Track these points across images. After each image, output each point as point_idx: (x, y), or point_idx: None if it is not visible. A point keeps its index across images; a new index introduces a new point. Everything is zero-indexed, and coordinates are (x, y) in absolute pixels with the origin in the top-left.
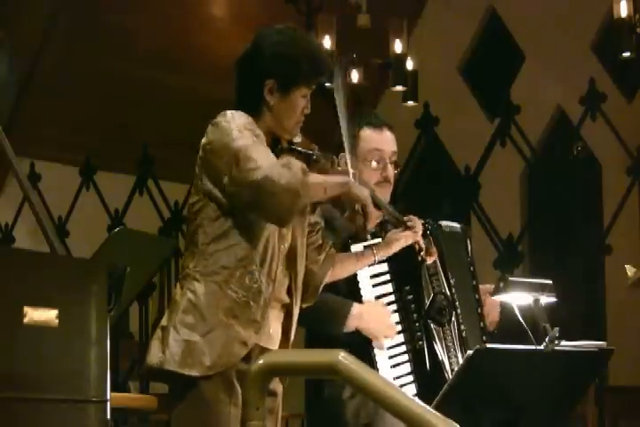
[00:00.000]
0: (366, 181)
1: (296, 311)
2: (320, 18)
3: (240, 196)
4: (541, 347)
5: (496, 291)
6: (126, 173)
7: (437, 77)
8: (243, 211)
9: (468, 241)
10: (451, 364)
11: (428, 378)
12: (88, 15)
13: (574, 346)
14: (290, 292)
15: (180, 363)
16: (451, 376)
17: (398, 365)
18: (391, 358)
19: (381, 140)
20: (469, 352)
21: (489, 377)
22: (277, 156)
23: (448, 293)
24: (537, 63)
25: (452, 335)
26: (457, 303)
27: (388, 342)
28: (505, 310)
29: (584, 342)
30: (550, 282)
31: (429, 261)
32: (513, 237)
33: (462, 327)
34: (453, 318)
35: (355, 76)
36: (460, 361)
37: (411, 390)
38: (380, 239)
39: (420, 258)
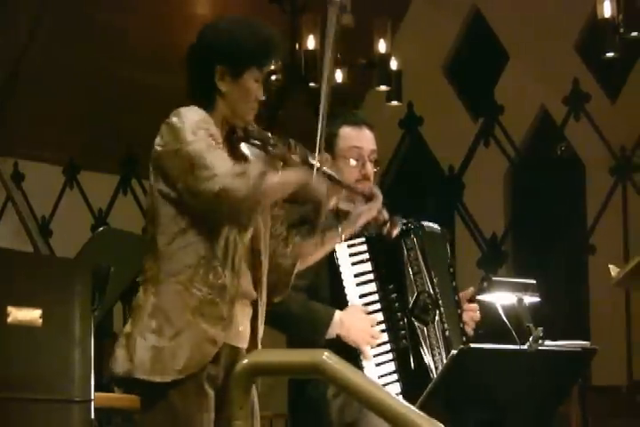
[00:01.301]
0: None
1: (262, 307)
2: (304, 18)
3: (196, 204)
4: (525, 347)
5: (480, 291)
6: (110, 172)
7: (421, 77)
8: (199, 214)
9: (448, 244)
10: (435, 362)
11: (412, 377)
12: (74, 15)
13: (558, 346)
14: (255, 286)
15: (149, 370)
16: (435, 375)
17: (382, 363)
18: (375, 356)
19: (361, 138)
20: (453, 352)
21: (473, 377)
22: (234, 145)
23: (432, 291)
24: (521, 63)
25: (435, 334)
26: (440, 302)
27: (371, 350)
28: (488, 309)
29: (568, 342)
30: (534, 282)
31: (394, 233)
32: (497, 237)
33: (445, 326)
34: (437, 317)
35: (338, 75)
36: (444, 360)
37: (395, 388)
38: (362, 239)
39: (385, 231)
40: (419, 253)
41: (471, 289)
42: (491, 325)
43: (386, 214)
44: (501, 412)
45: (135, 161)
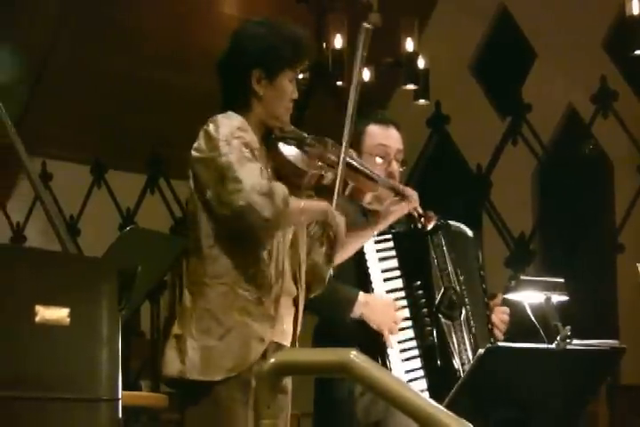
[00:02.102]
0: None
1: (301, 304)
2: (331, 17)
3: (222, 213)
4: (553, 346)
5: (508, 290)
6: (138, 171)
7: (448, 76)
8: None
9: (479, 248)
10: (461, 359)
11: (438, 374)
12: (97, 15)
13: (586, 345)
14: (296, 283)
15: (200, 371)
16: (461, 371)
17: (409, 359)
18: (402, 351)
19: (387, 137)
20: (481, 351)
21: (500, 376)
22: (272, 145)
23: (458, 288)
24: (548, 61)
25: (462, 331)
26: (466, 300)
27: (398, 337)
28: (516, 308)
29: (596, 341)
30: (562, 281)
31: (429, 226)
32: (525, 236)
33: (472, 323)
34: (463, 314)
35: (366, 74)
36: (471, 356)
37: (421, 384)
38: (389, 235)
39: (420, 225)
40: (445, 250)
41: (500, 296)
42: (519, 324)
43: (420, 209)
44: (529, 411)
45: (162, 160)
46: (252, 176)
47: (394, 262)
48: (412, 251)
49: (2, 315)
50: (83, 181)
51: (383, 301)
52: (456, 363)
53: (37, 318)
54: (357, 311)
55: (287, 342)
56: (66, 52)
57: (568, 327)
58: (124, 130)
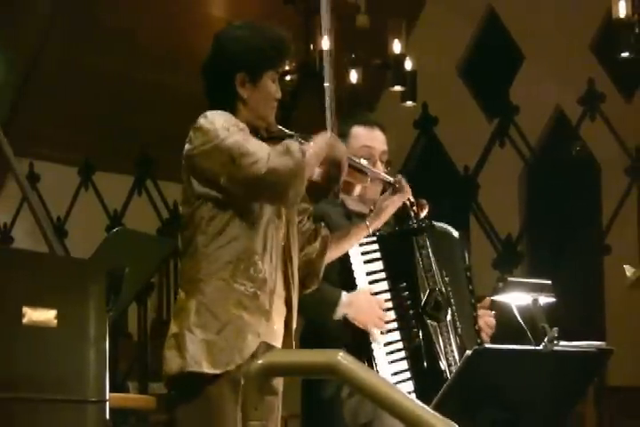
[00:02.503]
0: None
1: (295, 301)
2: (318, 18)
3: (244, 192)
4: (540, 347)
5: (495, 291)
6: (125, 173)
7: (436, 78)
8: (245, 204)
9: (465, 249)
10: (447, 360)
11: (424, 375)
12: (87, 15)
13: (573, 346)
14: (287, 282)
15: (201, 363)
16: (448, 373)
17: (395, 361)
18: (388, 354)
19: (371, 138)
20: (468, 352)
21: (488, 377)
22: None
23: (444, 289)
24: (536, 63)
25: (448, 332)
26: (452, 300)
27: (384, 338)
28: (504, 310)
29: (583, 343)
30: (549, 282)
31: (422, 213)
32: (512, 238)
33: (458, 324)
34: (449, 316)
35: (353, 76)
36: (457, 357)
37: (408, 386)
38: (373, 237)
39: (412, 213)
40: (430, 251)
41: (488, 300)
42: (506, 325)
43: (412, 198)
44: (516, 412)
45: (150, 161)
46: (261, 148)
47: (379, 265)
48: (397, 252)
49: None
50: (70, 182)
51: (367, 297)
52: (442, 364)
53: (25, 320)
54: (340, 313)
55: (277, 343)
56: (55, 53)
57: (555, 329)
58: (111, 131)
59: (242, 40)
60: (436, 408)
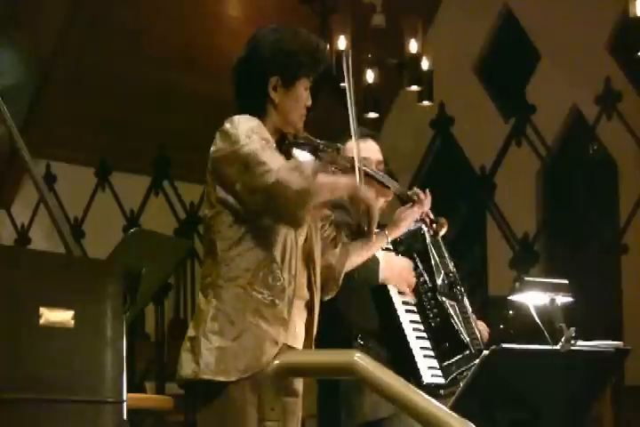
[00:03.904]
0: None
1: (317, 306)
2: (335, 18)
3: (254, 201)
4: (558, 347)
5: (512, 291)
6: (142, 173)
7: (452, 77)
8: (258, 216)
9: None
10: (470, 335)
11: (448, 352)
12: (103, 15)
13: (591, 346)
14: (309, 286)
15: (214, 371)
16: (472, 349)
17: (420, 338)
18: (415, 331)
19: (366, 149)
20: (485, 352)
21: (505, 377)
22: (286, 151)
23: (455, 272)
24: (552, 62)
25: (465, 310)
26: (460, 283)
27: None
28: (521, 310)
29: (600, 342)
30: (566, 282)
31: (442, 232)
32: (529, 237)
33: (468, 306)
34: (465, 297)
35: (370, 76)
36: (478, 333)
37: (433, 363)
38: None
39: (431, 231)
40: (440, 238)
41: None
42: (523, 325)
43: (431, 215)
44: (534, 412)
45: (167, 162)
46: (276, 159)
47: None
48: (412, 238)
49: (6, 317)
50: (87, 182)
51: (398, 261)
52: (465, 340)
53: (42, 321)
54: (382, 276)
55: (299, 345)
56: (73, 54)
57: (572, 328)
58: (128, 131)
59: (277, 45)
60: (454, 408)
